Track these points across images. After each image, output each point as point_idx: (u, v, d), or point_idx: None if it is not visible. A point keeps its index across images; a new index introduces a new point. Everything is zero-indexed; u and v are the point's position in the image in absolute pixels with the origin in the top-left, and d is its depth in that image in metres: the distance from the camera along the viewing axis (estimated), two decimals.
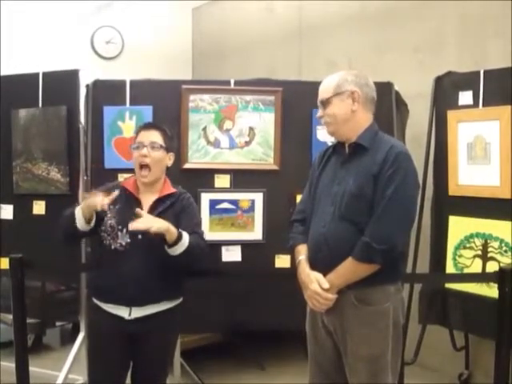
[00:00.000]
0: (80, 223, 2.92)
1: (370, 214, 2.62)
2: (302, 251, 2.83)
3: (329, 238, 2.70)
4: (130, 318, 2.95)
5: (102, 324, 3.00)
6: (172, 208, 3.04)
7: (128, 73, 4.31)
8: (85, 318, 3.27)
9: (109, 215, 2.95)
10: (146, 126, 3.10)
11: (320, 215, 2.77)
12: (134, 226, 2.79)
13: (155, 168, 3.01)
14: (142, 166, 2.99)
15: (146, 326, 2.97)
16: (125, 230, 2.92)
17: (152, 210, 2.98)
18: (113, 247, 2.95)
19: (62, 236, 3.10)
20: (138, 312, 2.95)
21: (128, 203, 2.97)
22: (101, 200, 2.81)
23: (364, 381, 2.70)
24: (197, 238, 2.99)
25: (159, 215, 2.95)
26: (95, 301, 3.03)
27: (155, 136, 3.02)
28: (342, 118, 2.73)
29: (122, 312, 2.95)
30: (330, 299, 2.68)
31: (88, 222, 2.92)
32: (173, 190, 3.10)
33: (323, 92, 2.78)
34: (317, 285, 2.69)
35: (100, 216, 2.95)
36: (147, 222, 2.81)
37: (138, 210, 2.85)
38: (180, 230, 2.89)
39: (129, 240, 2.92)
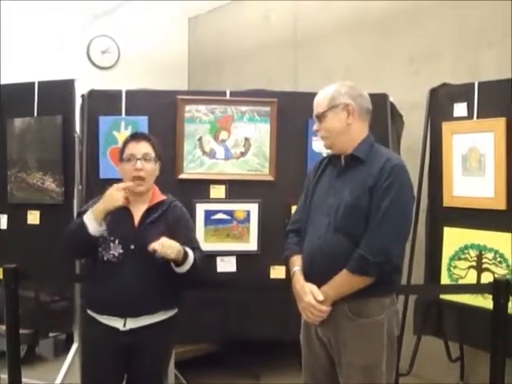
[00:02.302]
0: (93, 227, 2.87)
1: (366, 227, 2.61)
2: (297, 262, 2.83)
3: (324, 249, 2.70)
4: (124, 329, 2.93)
5: (96, 336, 2.98)
6: (164, 217, 3.03)
7: (124, 83, 4.31)
8: (79, 329, 3.24)
9: None
10: (136, 137, 3.06)
11: (315, 226, 2.77)
12: (152, 247, 2.78)
13: (150, 179, 3.02)
14: (135, 178, 2.97)
15: (141, 337, 2.94)
16: (117, 241, 2.91)
17: (143, 220, 2.98)
18: (105, 258, 2.93)
19: (71, 248, 3.11)
20: (132, 323, 2.93)
21: (118, 214, 2.95)
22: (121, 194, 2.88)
23: None
24: (198, 253, 3.00)
25: (151, 224, 2.96)
26: (90, 312, 3.01)
27: (146, 147, 3.01)
28: (337, 132, 2.73)
29: (117, 323, 2.93)
30: (325, 311, 2.67)
31: (100, 224, 2.90)
32: (162, 197, 3.10)
33: (318, 106, 2.78)
34: (311, 296, 2.68)
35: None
36: (165, 247, 2.80)
37: (152, 246, 2.79)
38: (185, 248, 2.90)
39: (121, 251, 2.91)
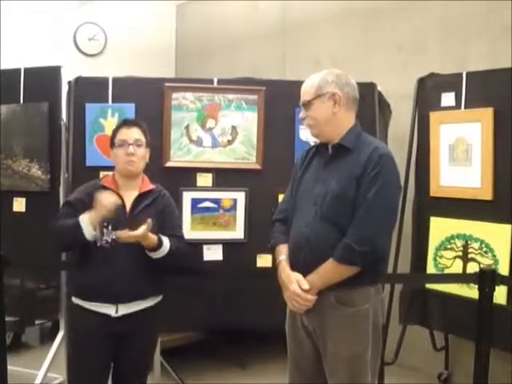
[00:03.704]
0: (89, 233, 2.86)
1: (352, 216, 2.61)
2: (283, 251, 2.83)
3: (310, 238, 2.70)
4: (116, 315, 2.94)
5: (85, 324, 2.96)
6: (154, 205, 3.06)
7: (110, 70, 4.28)
8: (65, 317, 3.22)
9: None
10: (128, 123, 3.11)
11: (302, 215, 2.76)
12: (118, 233, 2.84)
13: (141, 164, 3.06)
14: (127, 162, 3.00)
15: (132, 323, 2.96)
16: (110, 227, 2.92)
17: (134, 207, 3.00)
18: (98, 244, 2.93)
19: (62, 245, 3.15)
20: (124, 309, 2.95)
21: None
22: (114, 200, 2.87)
23: (343, 381, 2.69)
24: (177, 241, 3.03)
25: (142, 211, 2.98)
26: (77, 300, 3.01)
27: (137, 133, 3.06)
28: (323, 120, 2.73)
29: (109, 310, 2.94)
30: (310, 300, 2.67)
31: (95, 229, 2.89)
32: (152, 186, 3.13)
33: (304, 94, 2.77)
34: (297, 285, 2.68)
35: (81, 213, 2.91)
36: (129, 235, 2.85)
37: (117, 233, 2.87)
38: (160, 237, 2.94)
39: (114, 237, 2.90)
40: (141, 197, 3.05)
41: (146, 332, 3.05)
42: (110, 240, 2.92)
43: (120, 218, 2.94)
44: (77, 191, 3.12)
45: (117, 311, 2.94)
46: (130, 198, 3.03)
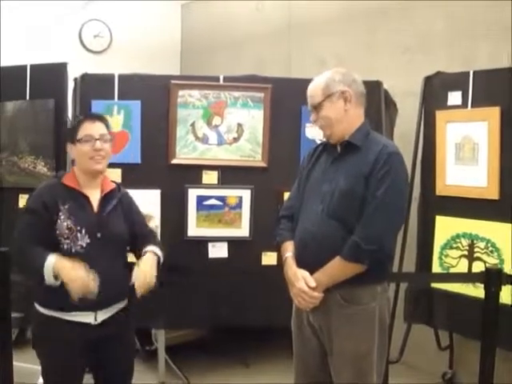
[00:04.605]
0: (50, 281, 2.62)
1: (359, 214, 2.61)
2: (289, 248, 2.82)
3: (316, 235, 2.70)
4: (96, 322, 2.78)
5: (61, 336, 2.74)
6: (120, 204, 2.93)
7: (115, 67, 4.28)
8: (33, 330, 2.89)
9: (62, 217, 2.73)
10: (92, 117, 2.89)
11: (308, 213, 2.76)
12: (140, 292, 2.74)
13: (106, 160, 2.88)
14: (93, 159, 2.81)
15: (111, 327, 2.82)
16: (84, 231, 2.74)
17: (101, 208, 2.84)
18: (73, 250, 2.71)
19: (18, 270, 2.78)
20: (103, 315, 2.80)
21: (78, 201, 2.80)
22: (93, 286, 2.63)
23: (349, 380, 2.70)
24: (155, 239, 3.03)
25: (111, 211, 2.85)
26: (49, 312, 2.78)
27: (102, 128, 2.87)
28: (336, 119, 2.72)
29: (87, 318, 2.77)
30: (316, 297, 2.67)
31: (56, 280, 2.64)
32: (113, 184, 2.96)
33: (313, 96, 2.76)
34: (303, 283, 2.68)
35: (49, 218, 2.73)
36: (146, 282, 2.76)
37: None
38: (154, 251, 2.90)
39: (88, 240, 2.74)
40: (107, 196, 2.88)
41: (126, 332, 2.95)
42: (84, 245, 2.73)
43: (92, 220, 2.79)
44: (38, 194, 2.82)
45: (96, 318, 2.78)
46: (94, 197, 2.85)
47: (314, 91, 2.76)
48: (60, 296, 2.65)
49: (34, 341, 2.89)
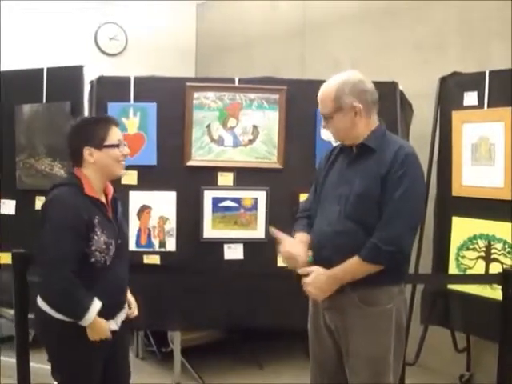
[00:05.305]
0: (80, 323, 2.60)
1: (376, 215, 2.61)
2: (302, 236, 2.85)
3: (333, 236, 2.69)
4: (116, 328, 2.75)
5: (90, 348, 2.66)
6: (122, 207, 2.92)
7: (131, 69, 4.31)
8: (52, 344, 2.74)
9: (98, 232, 2.62)
10: (115, 122, 2.81)
11: (325, 215, 2.76)
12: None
13: None
14: (120, 163, 2.76)
15: (121, 330, 2.81)
16: (113, 242, 2.68)
17: (114, 215, 2.80)
18: (108, 263, 2.65)
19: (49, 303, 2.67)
20: (120, 318, 2.81)
21: (102, 211, 2.71)
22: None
23: (365, 381, 2.69)
24: None
25: (121, 219, 2.84)
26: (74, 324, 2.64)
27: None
28: (345, 130, 2.72)
29: (112, 325, 2.72)
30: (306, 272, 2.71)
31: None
32: (111, 186, 2.85)
33: (323, 106, 2.73)
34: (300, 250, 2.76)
35: (86, 235, 2.61)
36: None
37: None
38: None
39: (114, 249, 2.68)
40: (114, 200, 2.84)
41: (127, 331, 2.98)
42: (112, 255, 2.67)
43: (113, 227, 2.73)
44: (73, 208, 2.61)
45: (117, 323, 2.77)
46: (103, 201, 2.77)
47: (323, 101, 2.73)
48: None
49: (53, 350, 2.77)
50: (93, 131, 2.71)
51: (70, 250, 2.56)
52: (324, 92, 2.75)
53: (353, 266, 2.62)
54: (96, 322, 2.60)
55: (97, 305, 2.59)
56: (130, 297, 2.91)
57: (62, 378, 2.75)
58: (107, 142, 2.70)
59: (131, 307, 2.90)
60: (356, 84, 2.71)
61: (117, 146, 2.72)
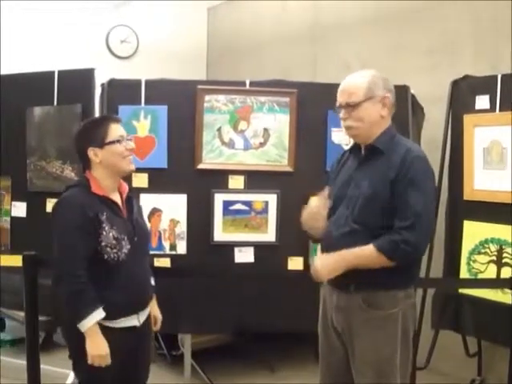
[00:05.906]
0: (78, 326, 2.60)
1: (381, 217, 2.60)
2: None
3: (341, 240, 2.67)
4: (139, 324, 2.79)
5: (112, 346, 2.65)
6: (136, 205, 2.92)
7: (142, 72, 4.31)
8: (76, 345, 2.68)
9: (106, 228, 2.64)
10: (115, 119, 2.82)
11: (336, 218, 2.75)
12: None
13: None
14: (126, 159, 2.77)
15: (145, 327, 2.85)
16: (126, 238, 2.69)
17: (128, 211, 2.81)
18: (120, 259, 2.67)
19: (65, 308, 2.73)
20: (143, 315, 2.83)
21: (111, 209, 2.72)
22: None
23: (370, 383, 2.68)
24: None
25: (137, 217, 2.84)
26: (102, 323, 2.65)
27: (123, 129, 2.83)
28: (370, 122, 2.69)
29: (133, 321, 2.76)
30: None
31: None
32: (126, 185, 2.89)
33: (352, 95, 2.69)
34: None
35: (94, 232, 2.64)
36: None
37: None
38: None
39: (129, 246, 2.70)
40: (129, 200, 2.85)
41: (149, 332, 2.99)
42: (127, 252, 2.69)
43: (128, 225, 2.76)
44: (76, 207, 2.65)
45: (139, 320, 2.79)
46: (118, 201, 2.79)
47: (354, 89, 2.69)
48: (111, 304, 2.64)
49: (75, 347, 2.72)
50: (93, 131, 2.75)
51: (78, 248, 2.61)
52: (353, 82, 2.73)
53: (365, 253, 2.59)
54: (94, 332, 2.59)
55: (99, 313, 2.59)
56: (157, 313, 2.99)
57: (83, 374, 2.77)
58: (108, 140, 2.72)
59: (156, 323, 3.00)
60: (386, 80, 2.76)
61: (118, 141, 2.73)
